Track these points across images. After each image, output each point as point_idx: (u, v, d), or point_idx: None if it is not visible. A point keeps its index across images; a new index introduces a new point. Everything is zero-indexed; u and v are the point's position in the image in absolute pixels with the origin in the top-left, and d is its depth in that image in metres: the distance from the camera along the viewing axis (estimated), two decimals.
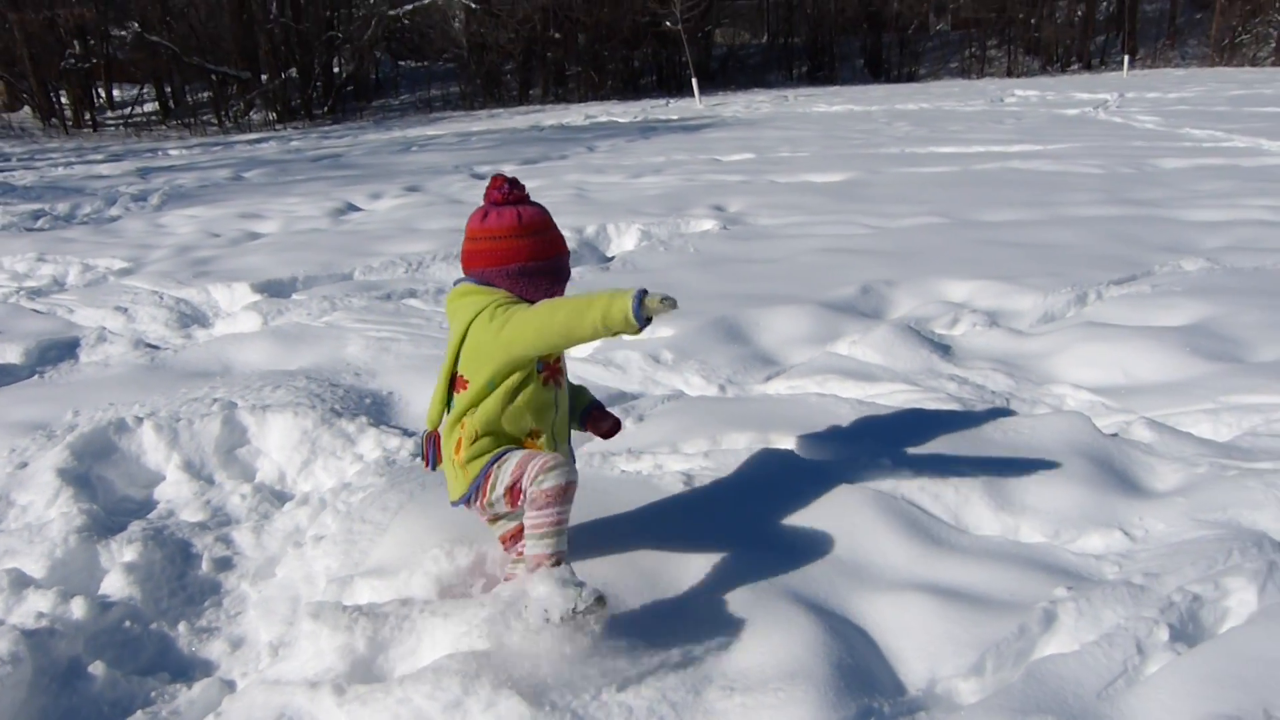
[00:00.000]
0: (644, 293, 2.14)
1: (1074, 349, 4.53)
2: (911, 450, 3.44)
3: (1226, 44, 41.23)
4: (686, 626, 2.49)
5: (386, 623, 2.63)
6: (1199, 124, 15.68)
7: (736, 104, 29.32)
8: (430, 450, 2.62)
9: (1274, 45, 40.64)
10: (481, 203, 2.56)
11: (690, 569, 2.76)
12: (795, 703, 2.15)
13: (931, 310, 5.28)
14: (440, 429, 2.59)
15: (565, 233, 8.18)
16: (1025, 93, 28.16)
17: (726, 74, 45.27)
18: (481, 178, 13.01)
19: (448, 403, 2.57)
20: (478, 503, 2.55)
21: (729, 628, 2.47)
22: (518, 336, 2.35)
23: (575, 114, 28.04)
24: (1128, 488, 3.18)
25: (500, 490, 2.46)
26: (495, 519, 2.67)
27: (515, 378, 2.47)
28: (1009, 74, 43.36)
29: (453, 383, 2.54)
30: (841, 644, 2.37)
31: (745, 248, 7.15)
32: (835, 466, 3.34)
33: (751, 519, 2.99)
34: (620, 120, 24.55)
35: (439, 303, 5.96)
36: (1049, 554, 2.82)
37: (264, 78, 34.22)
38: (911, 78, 44.22)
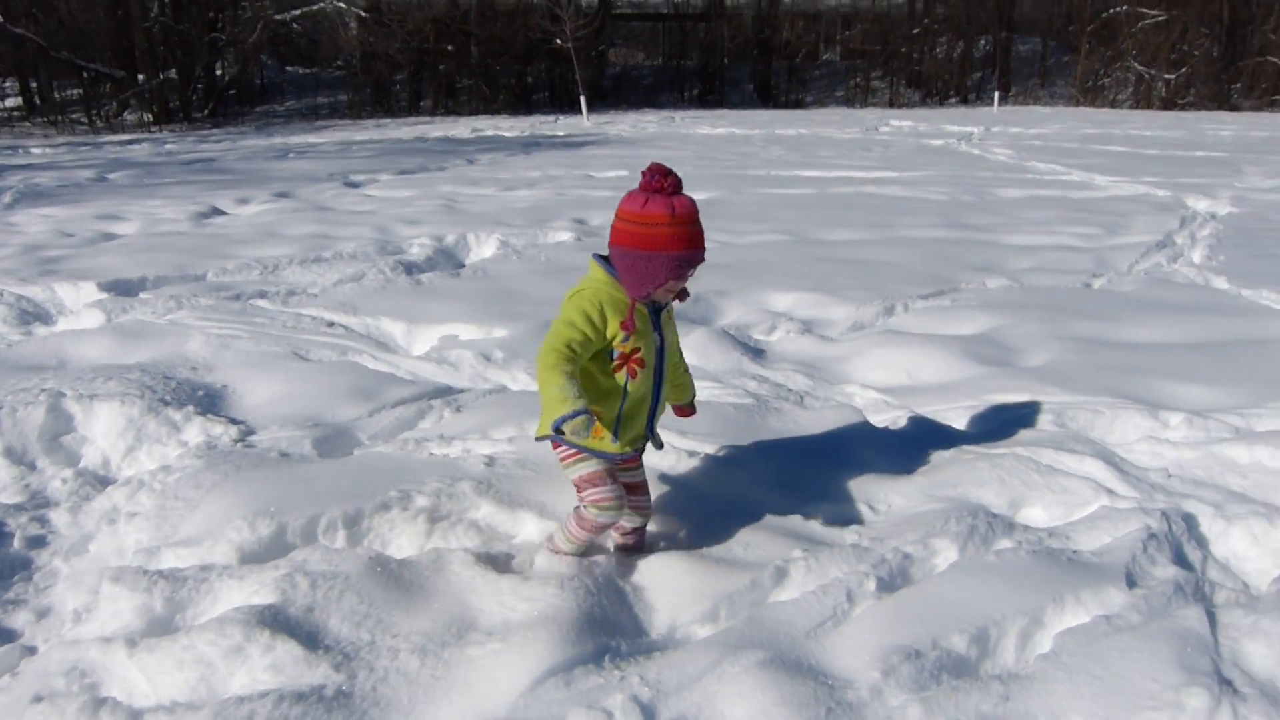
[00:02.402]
0: (567, 418, 2.46)
1: (870, 353, 4.98)
2: (697, 436, 3.78)
3: (1090, 86, 43.74)
4: (461, 584, 2.77)
5: (185, 585, 2.83)
6: (1046, 159, 16.75)
7: (624, 123, 29.83)
8: None
9: (1131, 89, 43.28)
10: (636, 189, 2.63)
11: (475, 536, 3.04)
12: (540, 642, 2.44)
13: (754, 318, 5.69)
14: None
15: (424, 241, 8.33)
16: (900, 123, 29.41)
17: (619, 93, 45.88)
18: (355, 186, 13.06)
19: None
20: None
21: (499, 585, 2.74)
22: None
23: (463, 127, 28.13)
24: (881, 470, 3.58)
25: (572, 474, 2.75)
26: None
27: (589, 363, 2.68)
28: (891, 105, 45.05)
29: None
30: (595, 596, 2.68)
31: None
32: None
33: (541, 493, 3.28)
34: (506, 135, 24.76)
35: (288, 303, 6.11)
36: (799, 525, 3.18)
37: (140, 78, 33.26)
38: (799, 104, 45.55)
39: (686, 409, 3.17)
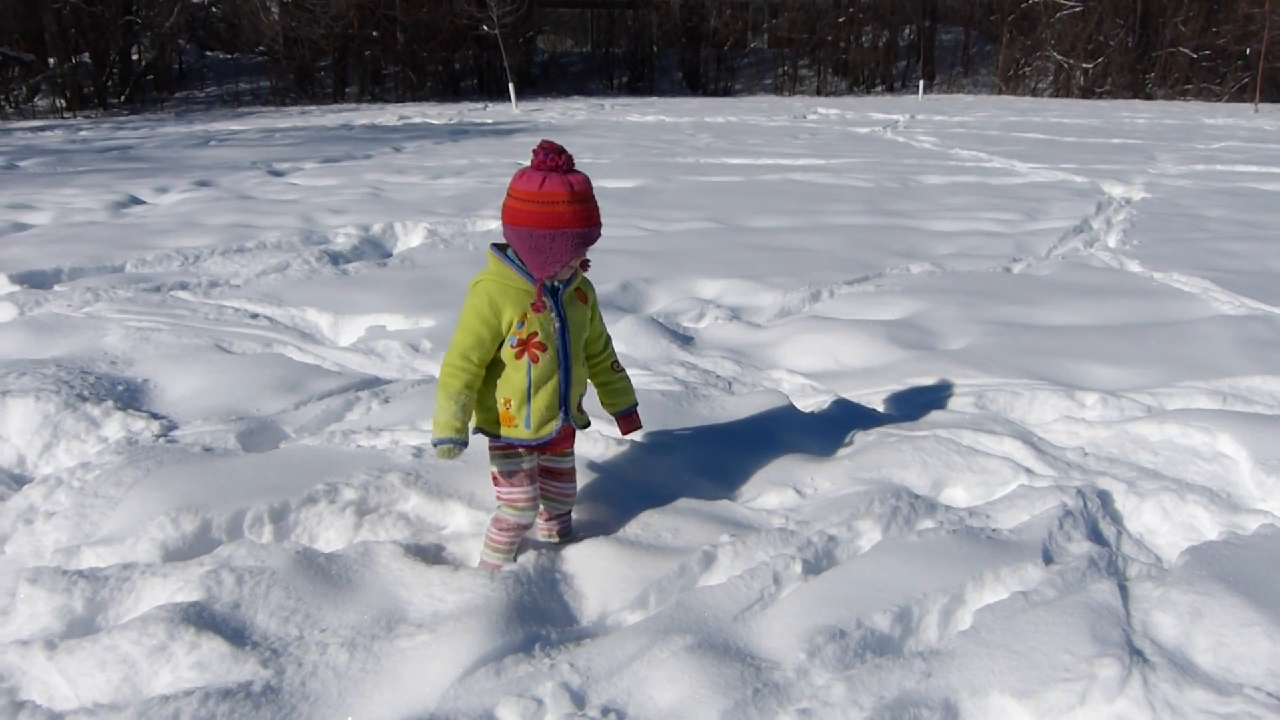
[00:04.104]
0: (440, 443, 2.63)
1: (797, 339, 5.05)
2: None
3: (1012, 74, 44.66)
4: (390, 576, 2.76)
5: (106, 585, 2.77)
6: (969, 145, 17.10)
7: (553, 110, 29.68)
8: None
9: (1051, 78, 44.30)
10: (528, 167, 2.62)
11: (404, 528, 3.03)
12: (469, 632, 2.44)
13: (682, 305, 5.73)
14: None
15: (350, 230, 8.19)
16: (827, 111, 29.69)
17: (548, 80, 45.61)
18: (279, 174, 12.81)
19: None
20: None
21: (428, 577, 2.74)
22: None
23: (390, 114, 27.68)
24: (807, 454, 3.64)
25: (493, 467, 2.82)
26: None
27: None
28: (818, 92, 45.47)
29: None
30: (525, 586, 2.69)
31: None
32: None
33: (470, 483, 3.27)
34: (434, 122, 24.46)
35: (210, 295, 5.98)
36: (727, 510, 3.23)
37: (51, 61, 32.09)
38: (727, 92, 45.74)
39: (628, 420, 3.12)
